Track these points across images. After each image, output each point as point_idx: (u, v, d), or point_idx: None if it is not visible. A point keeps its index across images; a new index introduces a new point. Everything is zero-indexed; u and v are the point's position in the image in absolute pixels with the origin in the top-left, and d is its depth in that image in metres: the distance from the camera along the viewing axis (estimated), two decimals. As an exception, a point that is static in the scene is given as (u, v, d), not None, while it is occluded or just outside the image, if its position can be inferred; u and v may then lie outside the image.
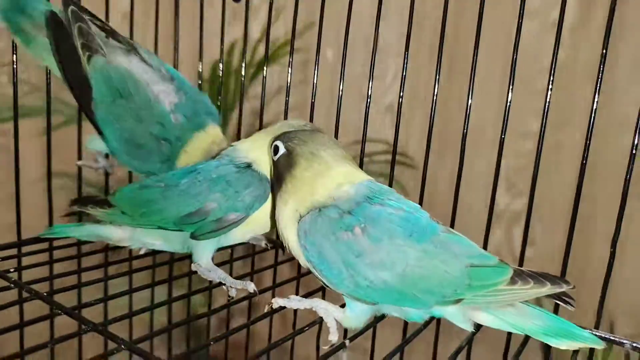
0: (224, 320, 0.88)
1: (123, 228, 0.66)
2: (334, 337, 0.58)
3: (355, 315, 0.58)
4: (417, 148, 1.41)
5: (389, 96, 1.49)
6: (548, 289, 0.54)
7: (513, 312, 0.56)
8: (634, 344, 0.61)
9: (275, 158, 0.58)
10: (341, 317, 0.58)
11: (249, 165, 0.62)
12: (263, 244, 0.75)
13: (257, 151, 0.63)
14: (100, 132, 0.68)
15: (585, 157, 0.63)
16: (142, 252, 0.72)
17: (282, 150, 0.58)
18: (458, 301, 0.54)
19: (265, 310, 0.59)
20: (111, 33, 0.68)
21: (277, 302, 0.59)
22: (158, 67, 0.69)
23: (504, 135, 0.67)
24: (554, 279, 0.55)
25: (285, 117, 0.80)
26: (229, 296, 0.65)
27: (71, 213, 0.70)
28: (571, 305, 0.57)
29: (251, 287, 0.65)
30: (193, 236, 0.62)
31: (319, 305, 0.59)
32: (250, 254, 0.81)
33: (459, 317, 0.57)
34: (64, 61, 0.65)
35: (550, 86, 0.63)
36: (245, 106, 0.85)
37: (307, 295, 0.66)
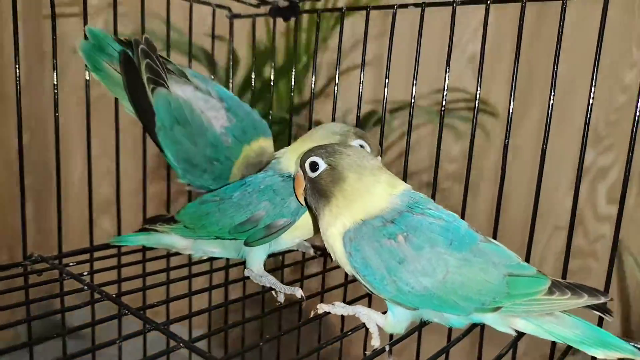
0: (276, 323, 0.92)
1: (186, 238, 0.73)
2: (376, 342, 0.61)
3: (397, 320, 0.60)
4: (500, 99, 1.42)
5: (470, 47, 1.51)
6: (585, 300, 0.56)
7: (552, 321, 0.57)
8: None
9: (315, 175, 0.59)
10: (383, 322, 0.61)
11: (290, 176, 0.67)
12: (311, 252, 0.79)
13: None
14: (162, 152, 0.74)
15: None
16: (201, 258, 0.78)
17: (323, 166, 0.59)
18: (497, 309, 0.56)
19: (311, 316, 0.62)
20: (167, 66, 0.75)
21: (322, 308, 0.62)
22: (209, 92, 0.75)
23: (594, 86, 0.65)
24: (591, 291, 0.56)
25: (333, 119, 0.83)
26: (278, 302, 0.69)
27: (143, 229, 0.76)
28: (610, 315, 0.58)
29: (299, 293, 0.68)
30: (246, 243, 0.67)
31: (361, 312, 0.62)
32: (300, 262, 0.85)
33: (499, 323, 0.59)
34: (133, 93, 0.72)
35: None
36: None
37: (353, 301, 0.69)
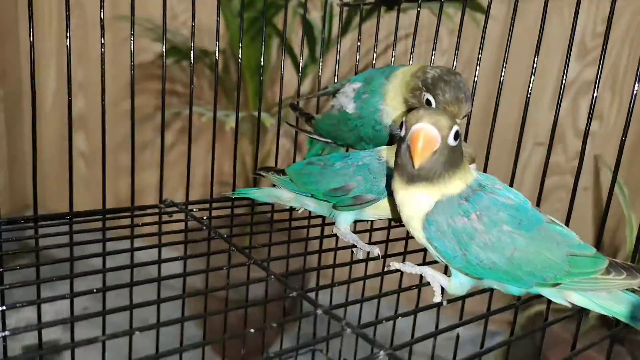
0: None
1: (290, 191, 0.84)
2: (438, 298, 0.67)
3: (460, 283, 0.66)
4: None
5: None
6: (639, 281, 0.60)
7: (605, 296, 0.62)
8: None
9: (455, 144, 0.59)
10: (447, 284, 0.67)
11: (386, 161, 0.75)
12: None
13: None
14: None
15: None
16: (300, 211, 0.89)
17: (459, 138, 0.59)
18: (556, 284, 0.61)
19: (385, 270, 0.72)
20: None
21: (394, 265, 0.70)
22: (345, 90, 0.86)
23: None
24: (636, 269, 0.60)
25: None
26: (359, 258, 0.79)
27: (258, 174, 0.89)
28: None
29: (376, 251, 0.77)
30: (334, 206, 0.77)
31: (428, 272, 0.68)
32: (387, 227, 0.94)
33: (555, 296, 0.64)
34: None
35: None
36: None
37: (423, 264, 0.75)
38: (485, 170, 0.83)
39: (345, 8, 1.04)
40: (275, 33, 1.65)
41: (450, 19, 1.48)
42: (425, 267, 0.69)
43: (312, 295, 0.62)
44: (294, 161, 0.99)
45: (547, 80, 1.61)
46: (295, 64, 1.68)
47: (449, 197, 0.60)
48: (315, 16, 1.77)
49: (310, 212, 0.88)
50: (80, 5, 2.13)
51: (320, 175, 0.78)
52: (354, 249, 0.80)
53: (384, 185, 0.73)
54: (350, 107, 0.82)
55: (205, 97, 2.11)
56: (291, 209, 0.92)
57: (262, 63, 0.95)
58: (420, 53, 1.66)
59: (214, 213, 0.92)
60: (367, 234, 0.94)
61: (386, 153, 0.76)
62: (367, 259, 0.78)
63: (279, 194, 0.86)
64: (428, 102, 0.72)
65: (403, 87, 0.77)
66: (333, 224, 0.82)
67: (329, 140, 0.92)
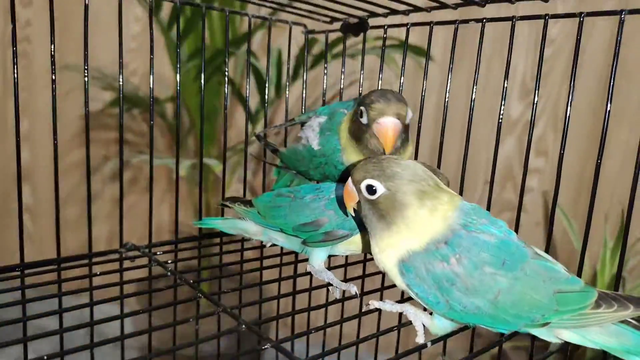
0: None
1: (257, 224, 0.80)
2: (420, 339, 0.63)
3: (443, 325, 0.62)
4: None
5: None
6: (631, 312, 0.56)
7: (597, 330, 0.59)
8: None
9: (373, 198, 0.58)
10: (429, 323, 0.63)
11: None
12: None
13: None
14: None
15: None
16: (268, 245, 0.84)
17: (381, 190, 0.58)
18: (545, 324, 0.57)
19: (364, 310, 0.67)
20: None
21: (373, 304, 0.66)
22: (312, 124, 0.82)
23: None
24: (637, 301, 0.57)
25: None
26: (336, 297, 0.74)
27: (224, 205, 0.85)
28: None
29: (353, 289, 0.73)
30: (305, 242, 0.73)
31: (409, 310, 0.64)
32: (362, 261, 0.91)
33: (545, 334, 0.60)
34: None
35: None
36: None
37: (404, 300, 0.73)
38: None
39: (310, 36, 1.02)
40: (224, 79, 1.63)
41: (395, 63, 1.49)
42: (406, 304, 0.65)
43: (287, 344, 0.57)
44: (264, 191, 0.95)
45: (493, 119, 1.60)
46: (244, 107, 1.65)
47: (426, 243, 0.57)
48: (264, 64, 1.77)
49: (281, 247, 0.84)
50: (25, 54, 2.02)
51: (290, 209, 0.74)
52: (329, 287, 0.76)
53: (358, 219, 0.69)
54: (315, 143, 0.79)
55: (157, 144, 2.05)
56: (262, 245, 0.88)
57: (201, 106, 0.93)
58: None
59: (180, 255, 0.87)
60: (343, 269, 0.90)
61: None
62: (344, 298, 0.74)
63: (245, 227, 0.82)
64: (360, 114, 0.71)
65: (349, 121, 0.75)
66: (306, 260, 0.78)
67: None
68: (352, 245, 0.73)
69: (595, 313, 0.57)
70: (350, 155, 0.75)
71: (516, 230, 0.73)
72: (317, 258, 0.76)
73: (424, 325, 0.64)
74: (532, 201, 1.73)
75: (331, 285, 0.75)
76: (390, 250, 0.58)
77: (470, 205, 0.61)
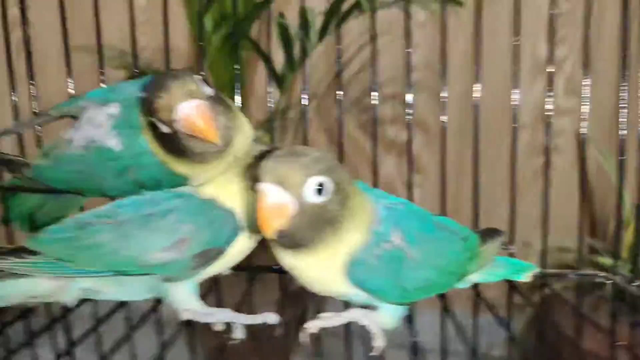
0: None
1: (57, 277, 0.56)
2: (381, 342, 0.57)
3: (396, 314, 0.58)
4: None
5: None
6: (500, 241, 0.64)
7: (489, 267, 0.63)
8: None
9: (323, 199, 0.47)
10: (383, 321, 0.57)
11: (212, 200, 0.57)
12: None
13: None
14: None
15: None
16: (73, 305, 0.60)
17: (330, 186, 0.47)
18: (466, 274, 0.60)
19: (301, 339, 0.56)
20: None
21: (315, 325, 0.57)
22: (91, 117, 0.62)
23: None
24: (494, 233, 0.64)
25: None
26: (234, 339, 0.59)
27: None
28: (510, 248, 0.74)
29: (271, 317, 0.58)
30: (166, 279, 0.56)
31: (358, 316, 0.58)
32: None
33: (461, 283, 0.61)
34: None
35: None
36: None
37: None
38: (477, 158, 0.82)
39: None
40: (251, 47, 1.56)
41: (428, 6, 1.40)
42: (352, 310, 0.59)
43: None
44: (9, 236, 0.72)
45: (524, 61, 1.53)
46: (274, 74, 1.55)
47: (366, 230, 0.51)
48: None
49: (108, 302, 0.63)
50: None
51: (121, 239, 0.53)
52: (228, 330, 0.59)
53: (229, 226, 0.55)
54: (113, 143, 0.59)
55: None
56: (65, 310, 0.65)
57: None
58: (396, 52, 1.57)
59: None
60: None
61: (221, 192, 0.56)
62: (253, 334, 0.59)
63: (32, 286, 0.56)
64: (153, 126, 0.54)
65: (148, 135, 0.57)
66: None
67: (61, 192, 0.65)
68: (228, 260, 0.57)
69: (486, 249, 0.61)
70: (178, 167, 0.57)
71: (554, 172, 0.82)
72: (189, 295, 0.57)
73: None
74: (566, 142, 1.67)
75: (229, 325, 0.59)
76: (332, 258, 0.50)
77: (372, 189, 0.57)
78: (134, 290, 0.58)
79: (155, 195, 0.56)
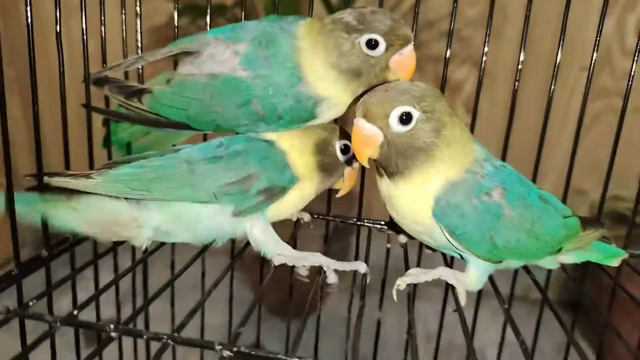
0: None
1: (134, 208, 0.57)
2: (464, 301, 0.58)
3: (482, 275, 0.58)
4: None
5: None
6: (601, 231, 0.63)
7: (585, 249, 0.63)
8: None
9: (408, 128, 0.50)
10: (468, 281, 0.58)
11: (273, 143, 0.61)
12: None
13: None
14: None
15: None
16: (142, 247, 0.60)
17: (416, 115, 0.50)
18: (559, 250, 0.59)
19: (394, 292, 0.58)
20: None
21: (404, 281, 0.58)
22: (215, 53, 0.62)
23: None
24: (597, 223, 0.63)
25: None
26: (331, 286, 0.60)
27: (32, 188, 0.58)
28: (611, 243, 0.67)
29: (363, 267, 0.60)
30: (237, 213, 0.57)
31: (445, 274, 0.58)
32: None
33: (551, 263, 0.63)
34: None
35: None
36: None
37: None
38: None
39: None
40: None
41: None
42: (440, 268, 0.59)
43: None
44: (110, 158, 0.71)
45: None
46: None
47: (464, 172, 0.52)
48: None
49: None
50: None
51: (193, 175, 0.56)
52: (319, 274, 0.60)
53: (290, 172, 0.59)
54: (243, 74, 0.58)
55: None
56: (133, 251, 0.67)
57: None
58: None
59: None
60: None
61: (283, 138, 0.60)
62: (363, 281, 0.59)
63: (110, 213, 0.56)
64: (370, 44, 0.55)
65: (320, 45, 0.57)
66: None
67: (162, 127, 0.63)
68: (286, 208, 0.60)
69: (587, 235, 0.61)
70: (319, 86, 0.58)
71: (614, 116, 0.75)
72: (272, 235, 0.60)
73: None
74: (633, 86, 1.61)
75: (322, 269, 0.60)
76: (424, 185, 0.52)
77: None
78: (202, 231, 0.59)
79: (230, 139, 0.60)
